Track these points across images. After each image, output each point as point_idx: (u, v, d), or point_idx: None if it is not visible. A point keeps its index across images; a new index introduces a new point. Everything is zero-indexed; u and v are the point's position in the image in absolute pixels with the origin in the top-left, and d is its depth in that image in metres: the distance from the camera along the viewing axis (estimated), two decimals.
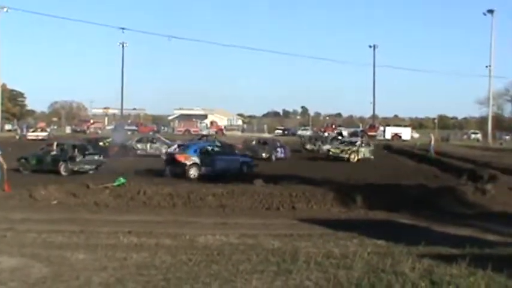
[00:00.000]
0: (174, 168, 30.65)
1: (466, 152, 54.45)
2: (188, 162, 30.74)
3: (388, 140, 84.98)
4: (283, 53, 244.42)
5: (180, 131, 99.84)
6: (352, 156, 45.05)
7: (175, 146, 40.53)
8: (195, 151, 31.97)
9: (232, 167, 32.04)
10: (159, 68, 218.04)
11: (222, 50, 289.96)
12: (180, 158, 31.26)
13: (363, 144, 48.35)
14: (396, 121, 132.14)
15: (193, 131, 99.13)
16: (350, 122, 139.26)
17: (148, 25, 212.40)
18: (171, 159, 32.18)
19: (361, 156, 45.32)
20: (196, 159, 31.03)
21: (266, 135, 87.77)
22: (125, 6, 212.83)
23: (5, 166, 23.44)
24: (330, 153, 46.30)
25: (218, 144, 39.88)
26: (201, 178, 28.93)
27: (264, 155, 44.93)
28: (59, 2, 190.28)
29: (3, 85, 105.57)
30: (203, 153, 31.89)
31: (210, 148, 33.90)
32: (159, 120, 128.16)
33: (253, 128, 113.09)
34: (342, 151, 45.89)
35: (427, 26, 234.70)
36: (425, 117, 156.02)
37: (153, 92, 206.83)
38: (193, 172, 30.47)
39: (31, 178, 26.75)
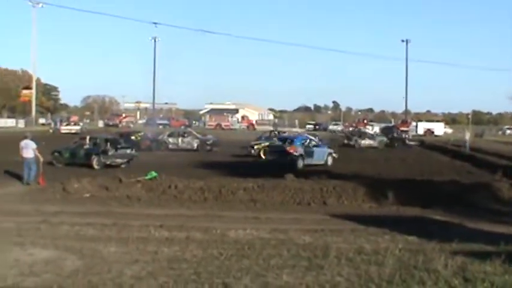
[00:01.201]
0: (282, 159, 32.67)
1: (501, 148, 53.64)
2: (297, 154, 33.45)
3: (420, 135, 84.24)
4: (315, 47, 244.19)
5: (212, 125, 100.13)
6: None
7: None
8: (301, 143, 35.10)
9: (324, 157, 35.46)
10: (190, 63, 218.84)
11: (254, 44, 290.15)
12: (291, 149, 33.68)
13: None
14: (429, 116, 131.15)
15: (225, 125, 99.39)
16: (382, 117, 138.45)
17: (181, 19, 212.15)
18: (278, 150, 34.58)
19: None
20: (302, 151, 33.85)
21: (297, 130, 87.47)
22: (157, 0, 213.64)
23: (41, 159, 23.70)
24: None
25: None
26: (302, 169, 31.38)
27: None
28: None
29: (38, 79, 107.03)
30: (305, 146, 34.92)
31: (308, 141, 36.85)
32: (190, 115, 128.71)
33: (285, 122, 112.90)
34: None
35: (462, 19, 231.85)
36: (458, 113, 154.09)
37: (185, 87, 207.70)
38: (300, 163, 32.97)
39: (64, 171, 27.01)
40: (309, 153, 34.22)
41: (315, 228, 14.49)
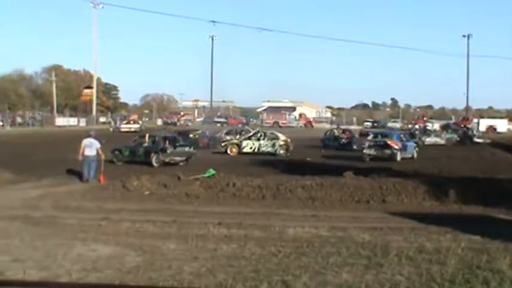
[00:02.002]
0: (382, 152, 35.81)
1: None
2: (397, 148, 36.26)
3: (482, 132, 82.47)
4: (373, 43, 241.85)
5: (269, 123, 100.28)
6: None
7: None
8: (398, 138, 38.15)
9: (412, 151, 38.65)
10: (248, 61, 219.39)
11: (311, 42, 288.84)
12: (392, 143, 36.30)
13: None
14: (491, 113, 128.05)
15: (282, 123, 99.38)
16: (442, 114, 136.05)
17: (238, 17, 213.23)
18: (379, 144, 36.72)
19: None
20: (400, 145, 36.76)
21: (355, 127, 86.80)
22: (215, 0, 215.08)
23: (102, 157, 24.07)
24: None
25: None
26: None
27: None
28: None
29: (98, 79, 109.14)
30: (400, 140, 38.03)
31: (401, 136, 40.43)
32: (247, 113, 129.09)
33: (342, 120, 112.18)
34: None
35: None
36: None
37: (242, 85, 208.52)
38: (399, 155, 35.76)
39: (124, 169, 27.42)
40: (404, 147, 37.13)
41: (374, 226, 14.34)
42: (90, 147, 23.90)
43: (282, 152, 39.13)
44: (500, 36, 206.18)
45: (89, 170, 23.54)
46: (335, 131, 52.75)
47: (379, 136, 38.97)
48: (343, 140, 47.24)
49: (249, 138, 41.11)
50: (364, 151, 36.73)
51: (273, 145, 39.88)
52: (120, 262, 10.21)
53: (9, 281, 6.36)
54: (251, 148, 39.86)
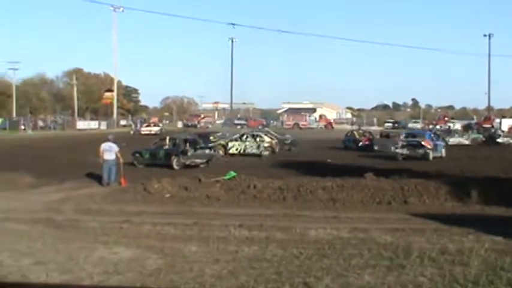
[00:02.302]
0: (415, 152, 36.87)
1: None
2: (430, 147, 37.47)
3: (505, 132, 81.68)
4: (393, 44, 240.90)
5: (289, 124, 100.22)
6: None
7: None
8: (430, 137, 39.85)
9: (442, 151, 39.88)
10: (267, 63, 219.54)
11: (331, 43, 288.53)
12: (426, 143, 37.53)
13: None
14: None
15: (302, 125, 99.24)
16: (463, 114, 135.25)
17: (257, 19, 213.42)
18: (413, 144, 37.81)
19: None
20: (432, 145, 38.10)
21: (376, 128, 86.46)
22: (235, 1, 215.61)
23: (121, 160, 24.13)
24: None
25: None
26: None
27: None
28: (170, 1, 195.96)
29: (119, 82, 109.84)
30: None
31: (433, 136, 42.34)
32: (267, 114, 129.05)
33: (363, 121, 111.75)
34: None
35: None
36: None
37: (262, 86, 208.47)
38: (431, 155, 36.89)
39: (145, 172, 27.54)
40: (435, 147, 38.54)
41: (396, 227, 14.24)
42: (110, 151, 23.94)
43: (266, 153, 39.66)
44: None
45: (109, 174, 23.59)
46: (355, 132, 52.55)
47: (411, 136, 40.24)
48: (364, 142, 47.04)
49: (236, 139, 41.89)
50: (397, 150, 37.57)
51: (258, 146, 40.61)
52: (142, 265, 10.24)
53: (33, 284, 6.40)
54: (237, 149, 40.56)
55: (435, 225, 14.62)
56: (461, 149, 46.25)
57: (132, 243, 12.15)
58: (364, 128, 70.07)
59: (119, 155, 24.06)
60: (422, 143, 37.52)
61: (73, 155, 38.18)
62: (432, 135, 42.43)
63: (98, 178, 24.23)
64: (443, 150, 39.79)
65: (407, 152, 37.20)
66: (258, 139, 41.40)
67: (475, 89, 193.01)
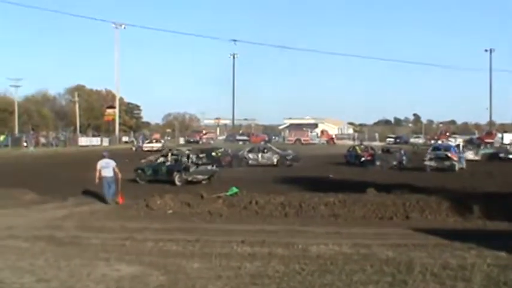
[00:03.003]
0: (443, 164, 40.50)
1: None
2: (456, 159, 41.21)
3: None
4: (395, 60, 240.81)
5: (291, 140, 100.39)
6: None
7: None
8: (455, 151, 43.41)
9: (464, 163, 43.45)
10: (269, 78, 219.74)
11: (333, 59, 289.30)
12: (452, 156, 41.24)
13: None
14: None
15: (304, 140, 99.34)
16: (465, 129, 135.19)
17: (259, 36, 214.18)
18: (440, 157, 41.42)
19: None
20: (458, 157, 41.91)
21: (377, 143, 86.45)
22: (236, 18, 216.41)
23: (119, 176, 23.49)
24: None
25: None
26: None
27: (394, 163, 44.94)
28: (172, 17, 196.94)
29: (121, 99, 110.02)
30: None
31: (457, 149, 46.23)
32: (269, 130, 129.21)
33: (365, 136, 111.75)
34: None
35: None
36: None
37: (264, 102, 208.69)
38: (457, 166, 40.69)
39: (147, 188, 27.55)
40: (459, 159, 42.14)
41: (398, 243, 14.23)
42: (107, 168, 23.42)
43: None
44: None
45: (109, 191, 23.09)
46: (357, 147, 52.58)
47: (438, 150, 43.86)
48: (366, 157, 47.07)
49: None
50: (426, 163, 41.13)
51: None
52: (144, 282, 10.24)
53: None
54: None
55: (437, 241, 14.62)
56: (474, 164, 46.12)
57: (135, 260, 12.15)
58: (366, 143, 70.08)
59: (117, 170, 23.51)
60: (449, 155, 41.11)
61: (75, 171, 38.21)
62: (456, 149, 45.42)
63: (99, 195, 24.09)
64: (464, 163, 43.10)
65: (436, 164, 40.66)
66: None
67: (477, 104, 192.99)
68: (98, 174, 23.40)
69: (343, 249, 13.38)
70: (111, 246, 14.14)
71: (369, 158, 46.70)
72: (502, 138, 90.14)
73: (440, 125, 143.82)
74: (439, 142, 74.49)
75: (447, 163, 40.52)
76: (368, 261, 11.62)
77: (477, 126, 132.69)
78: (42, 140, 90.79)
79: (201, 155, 35.67)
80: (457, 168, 40.36)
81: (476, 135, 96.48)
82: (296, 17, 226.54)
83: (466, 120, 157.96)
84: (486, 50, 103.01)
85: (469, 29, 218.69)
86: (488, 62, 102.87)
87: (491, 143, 72.29)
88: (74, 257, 12.57)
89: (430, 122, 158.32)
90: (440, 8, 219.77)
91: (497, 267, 10.48)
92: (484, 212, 18.67)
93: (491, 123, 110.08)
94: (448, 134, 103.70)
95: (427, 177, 34.43)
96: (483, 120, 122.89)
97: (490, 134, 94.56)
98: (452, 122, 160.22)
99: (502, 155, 54.80)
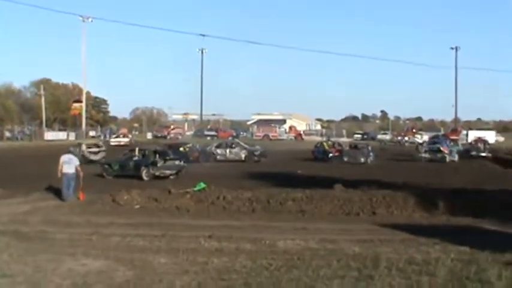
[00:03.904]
0: (435, 156, 47.11)
1: None
2: (447, 152, 47.97)
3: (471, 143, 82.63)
4: (362, 56, 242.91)
5: (259, 136, 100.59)
6: None
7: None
8: (447, 145, 50.54)
9: (456, 156, 48.62)
10: (238, 73, 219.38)
11: (300, 55, 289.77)
12: (444, 149, 48.24)
13: None
14: (479, 124, 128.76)
15: (272, 136, 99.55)
16: (431, 125, 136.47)
17: (228, 30, 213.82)
18: (433, 149, 48.71)
19: None
20: (449, 151, 48.35)
21: (345, 139, 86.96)
22: (203, 13, 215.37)
23: (81, 174, 22.85)
24: None
25: None
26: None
27: (362, 159, 45.27)
28: (139, 11, 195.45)
29: (88, 93, 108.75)
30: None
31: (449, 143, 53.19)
32: (237, 126, 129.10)
33: (332, 132, 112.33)
34: None
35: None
36: (510, 120, 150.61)
37: (232, 98, 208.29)
38: (448, 158, 46.68)
39: (114, 183, 27.35)
40: (451, 152, 48.04)
41: (364, 238, 14.38)
42: (69, 164, 22.74)
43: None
44: (488, 48, 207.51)
45: (69, 188, 22.31)
46: (325, 143, 52.84)
47: (433, 144, 51.46)
48: (334, 153, 47.34)
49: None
50: (421, 155, 47.82)
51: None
52: (110, 277, 10.18)
53: None
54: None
55: (403, 236, 14.80)
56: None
57: (101, 255, 12.07)
58: (333, 139, 70.45)
59: (79, 169, 22.84)
60: (441, 149, 47.97)
61: (40, 166, 37.66)
62: (449, 143, 52.42)
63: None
64: (456, 156, 48.22)
65: (429, 156, 47.14)
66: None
67: (443, 101, 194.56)
68: (60, 168, 22.76)
69: (310, 244, 13.47)
70: (78, 241, 14.04)
71: (336, 154, 46.99)
72: (467, 135, 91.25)
73: (407, 122, 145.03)
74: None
75: (439, 155, 46.73)
76: (334, 256, 11.70)
77: (443, 123, 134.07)
78: (7, 133, 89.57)
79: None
80: (447, 160, 46.21)
81: (442, 132, 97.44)
82: (264, 12, 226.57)
83: (433, 117, 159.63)
84: (452, 48, 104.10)
85: (436, 26, 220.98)
86: (454, 59, 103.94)
87: (456, 140, 72.90)
88: (39, 252, 12.45)
89: (397, 118, 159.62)
90: (407, 5, 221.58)
91: (461, 262, 10.63)
92: (448, 207, 18.94)
93: (456, 120, 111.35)
94: (414, 130, 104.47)
95: (394, 172, 34.68)
96: (449, 117, 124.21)
97: (455, 131, 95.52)
98: (419, 118, 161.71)
99: (473, 152, 55.33)
